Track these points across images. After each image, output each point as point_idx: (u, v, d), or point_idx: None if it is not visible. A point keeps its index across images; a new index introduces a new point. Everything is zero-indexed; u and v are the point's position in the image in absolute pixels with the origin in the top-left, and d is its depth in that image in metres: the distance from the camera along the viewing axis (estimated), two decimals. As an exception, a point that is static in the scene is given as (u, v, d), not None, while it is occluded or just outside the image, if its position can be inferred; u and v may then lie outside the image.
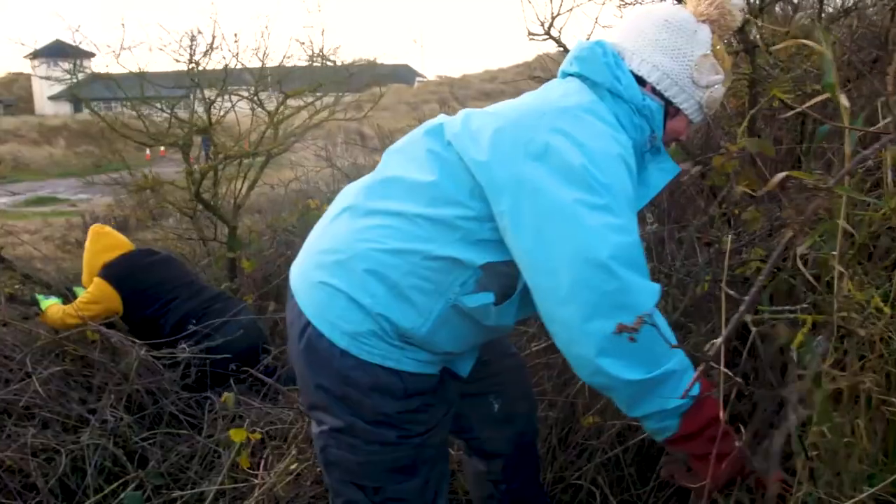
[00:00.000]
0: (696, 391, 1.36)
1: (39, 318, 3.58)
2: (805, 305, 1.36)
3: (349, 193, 1.61)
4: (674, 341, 1.39)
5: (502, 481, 1.94)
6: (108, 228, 3.87)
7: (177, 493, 2.44)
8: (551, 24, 2.42)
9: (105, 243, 3.69)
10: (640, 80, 1.54)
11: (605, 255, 1.31)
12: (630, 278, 1.33)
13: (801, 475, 1.30)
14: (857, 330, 1.26)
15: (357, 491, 1.58)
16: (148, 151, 8.23)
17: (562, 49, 2.50)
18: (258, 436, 2.13)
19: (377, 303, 1.44)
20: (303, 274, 1.58)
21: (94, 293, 3.54)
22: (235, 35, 5.85)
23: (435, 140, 1.52)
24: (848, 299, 1.31)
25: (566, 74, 1.60)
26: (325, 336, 1.49)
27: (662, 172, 1.60)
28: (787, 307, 1.39)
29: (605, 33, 1.70)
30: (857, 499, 1.25)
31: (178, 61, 5.43)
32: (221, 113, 5.50)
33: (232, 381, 2.89)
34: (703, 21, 1.55)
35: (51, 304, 3.61)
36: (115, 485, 2.53)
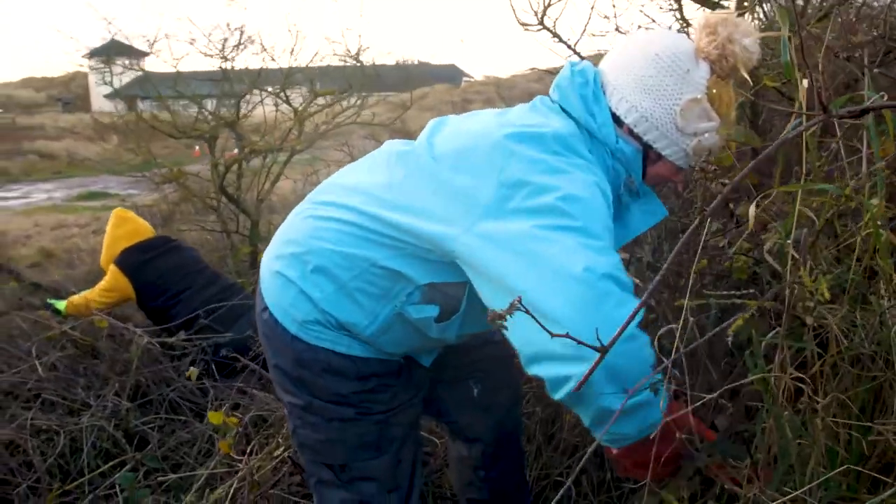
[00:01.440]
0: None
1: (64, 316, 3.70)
2: (747, 292, 1.31)
3: (321, 188, 1.63)
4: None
5: (481, 468, 1.94)
6: (130, 214, 3.94)
7: (169, 476, 2.47)
8: (544, 14, 2.37)
9: (126, 229, 3.77)
10: (619, 120, 1.42)
11: (583, 268, 1.20)
12: (611, 290, 1.21)
13: (746, 474, 1.25)
14: (804, 318, 1.21)
15: (326, 470, 1.62)
16: (197, 148, 8.43)
17: (557, 40, 2.45)
18: (234, 420, 2.16)
19: (325, 299, 1.47)
20: (267, 261, 1.61)
21: (110, 281, 3.65)
22: (262, 32, 5.94)
23: (405, 146, 1.51)
24: (801, 286, 1.26)
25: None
26: (279, 322, 1.53)
27: (647, 215, 1.51)
28: (733, 292, 1.34)
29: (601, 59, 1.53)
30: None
31: (208, 56, 5.56)
32: (249, 107, 5.61)
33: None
34: (704, 58, 1.39)
35: (69, 301, 3.73)
36: (110, 465, 2.58)
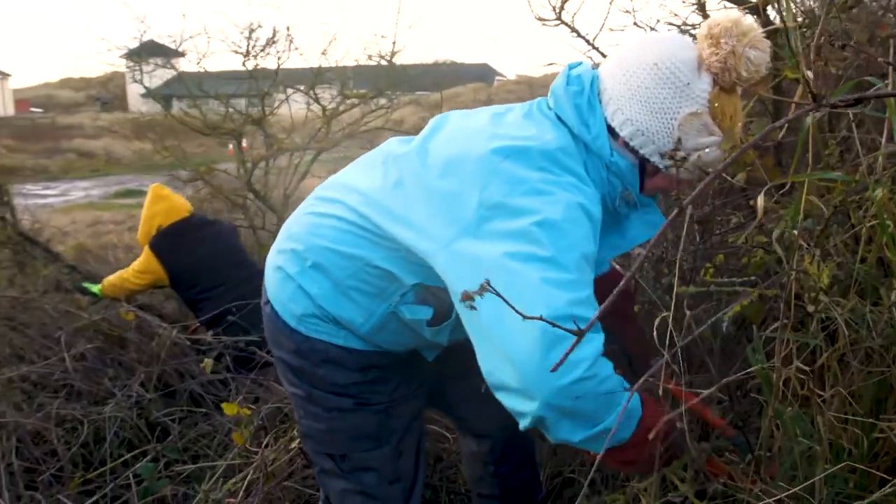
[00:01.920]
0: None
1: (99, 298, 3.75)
2: (747, 279, 1.29)
3: (325, 184, 1.64)
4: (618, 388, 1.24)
5: (491, 463, 1.94)
6: (167, 191, 3.93)
7: (188, 467, 2.51)
8: (562, 8, 2.36)
9: (163, 206, 3.75)
10: (614, 132, 1.35)
11: (537, 310, 1.15)
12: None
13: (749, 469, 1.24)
14: (806, 307, 1.19)
15: (328, 460, 1.64)
16: (230, 146, 8.58)
17: (575, 35, 2.44)
18: (247, 411, 2.19)
19: (322, 295, 1.50)
20: (271, 255, 1.65)
21: (143, 263, 3.66)
22: (288, 28, 5.99)
23: (402, 147, 1.50)
24: (805, 275, 1.23)
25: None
26: (279, 315, 1.56)
27: (646, 226, 1.45)
28: (733, 279, 1.32)
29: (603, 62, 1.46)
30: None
31: (236, 52, 5.63)
32: (277, 105, 5.67)
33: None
34: (706, 70, 1.30)
35: (104, 281, 3.77)
36: (131, 454, 2.63)
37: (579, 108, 1.35)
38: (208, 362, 2.61)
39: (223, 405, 2.21)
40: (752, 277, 1.33)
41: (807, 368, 1.20)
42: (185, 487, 2.46)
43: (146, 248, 3.70)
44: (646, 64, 1.31)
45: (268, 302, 1.59)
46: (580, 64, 1.44)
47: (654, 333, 1.24)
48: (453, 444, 2.37)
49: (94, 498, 2.43)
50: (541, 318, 0.90)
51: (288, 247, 1.56)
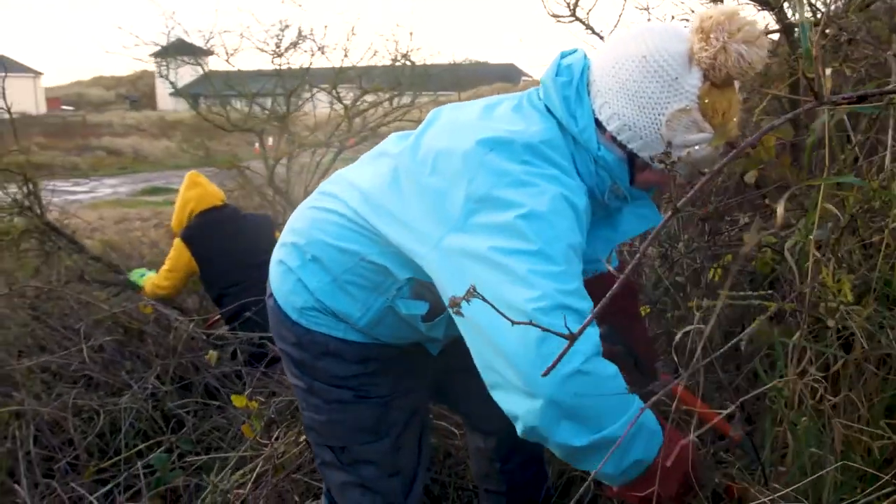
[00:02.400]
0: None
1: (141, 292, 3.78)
2: (766, 293, 1.26)
3: (330, 179, 1.65)
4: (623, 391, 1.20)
5: (497, 460, 1.94)
6: (202, 178, 3.91)
7: (201, 458, 2.53)
8: (576, 4, 2.35)
9: (197, 192, 3.74)
10: (601, 125, 1.32)
11: (530, 306, 1.16)
12: (555, 327, 1.14)
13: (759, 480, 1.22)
14: (826, 320, 1.16)
15: (328, 451, 1.65)
16: (256, 145, 8.68)
17: (591, 32, 2.42)
18: (255, 403, 2.21)
19: (320, 289, 1.51)
20: (276, 249, 1.66)
21: (173, 259, 3.65)
22: (313, 30, 6.04)
23: (399, 143, 1.50)
24: (823, 287, 1.21)
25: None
26: (281, 307, 1.58)
27: (639, 219, 1.43)
28: (749, 293, 1.30)
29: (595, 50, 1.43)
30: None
31: (262, 51, 5.69)
32: (300, 103, 5.72)
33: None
34: (697, 64, 1.24)
35: (145, 278, 3.79)
36: (145, 445, 2.65)
37: (567, 99, 1.33)
38: (213, 354, 2.64)
39: (233, 397, 2.22)
40: (769, 291, 1.30)
41: (820, 375, 1.18)
42: (197, 479, 2.48)
43: (176, 241, 3.70)
44: (635, 56, 1.27)
45: (271, 295, 1.61)
46: (574, 51, 1.40)
47: (659, 334, 1.22)
48: (461, 439, 2.37)
49: (108, 487, 2.46)
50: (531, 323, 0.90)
51: (290, 240, 1.58)
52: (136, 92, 40.30)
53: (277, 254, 1.62)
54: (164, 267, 3.68)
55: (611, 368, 1.22)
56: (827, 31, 1.74)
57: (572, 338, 0.78)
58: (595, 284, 1.79)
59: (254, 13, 6.02)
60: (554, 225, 1.22)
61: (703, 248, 1.83)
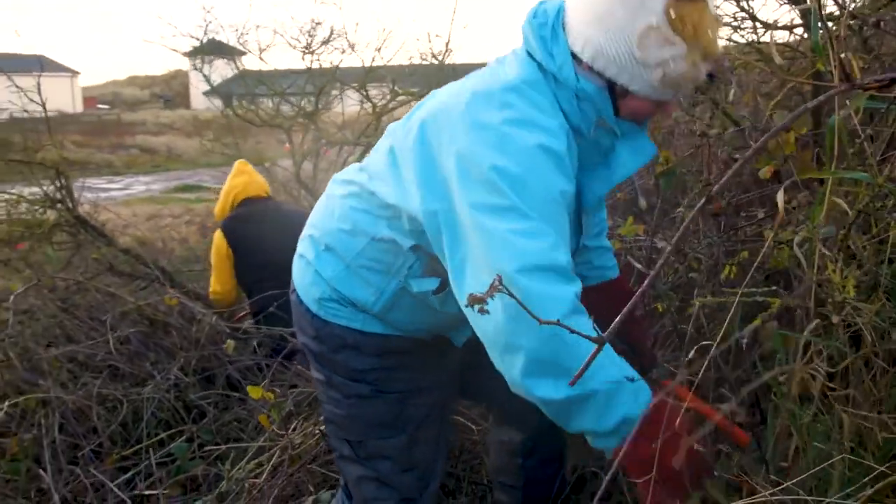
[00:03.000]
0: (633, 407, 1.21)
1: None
2: (770, 288, 1.25)
3: (345, 170, 1.68)
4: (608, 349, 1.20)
5: (519, 455, 1.93)
6: (249, 167, 3.95)
7: (220, 447, 2.57)
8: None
9: (241, 180, 3.78)
10: (578, 57, 1.32)
11: (511, 267, 1.18)
12: (533, 288, 1.19)
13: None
14: (831, 316, 1.15)
15: (346, 445, 1.65)
16: (287, 144, 8.77)
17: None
18: (271, 395, 2.23)
19: (335, 277, 1.53)
20: (298, 243, 1.69)
21: (214, 256, 3.65)
22: (345, 27, 6.08)
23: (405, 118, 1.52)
24: (829, 283, 1.19)
25: None
26: (302, 301, 1.61)
27: (635, 154, 1.41)
28: (753, 290, 1.29)
29: None
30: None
31: (294, 48, 5.75)
32: (329, 101, 5.76)
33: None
34: None
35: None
36: (167, 434, 2.70)
37: (544, 39, 1.34)
38: (230, 343, 2.67)
39: (249, 388, 2.25)
40: (774, 287, 1.29)
41: (827, 370, 1.16)
42: (216, 468, 2.51)
43: (217, 235, 3.68)
44: None
45: (294, 290, 1.64)
46: None
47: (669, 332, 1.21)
48: (478, 435, 2.37)
49: (129, 474, 2.50)
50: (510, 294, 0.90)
51: (308, 233, 1.62)
52: (170, 91, 40.90)
53: (299, 248, 1.65)
54: (212, 278, 3.69)
55: (589, 326, 1.20)
56: (850, 22, 1.72)
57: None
58: (603, 291, 1.80)
59: (288, 10, 6.11)
60: (531, 180, 1.23)
61: (718, 244, 1.81)
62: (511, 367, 1.22)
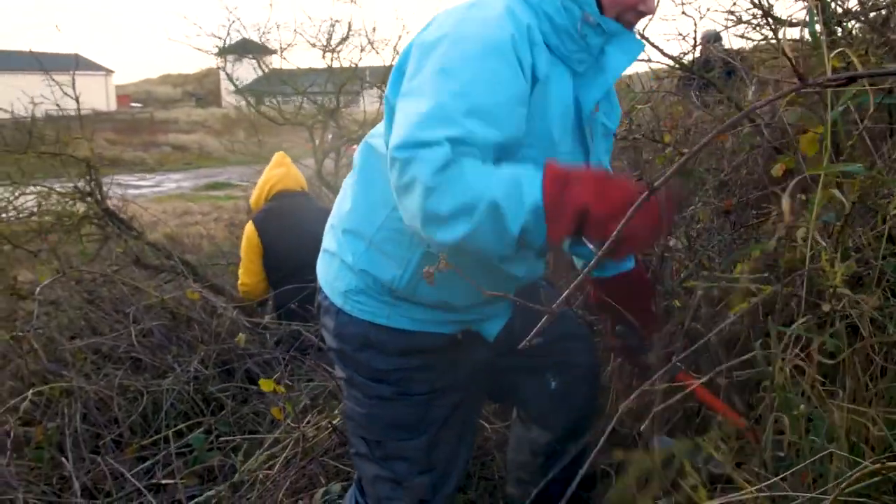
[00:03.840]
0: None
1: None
2: (762, 276, 1.25)
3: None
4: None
5: (542, 455, 1.90)
6: (287, 160, 3.97)
7: (236, 438, 2.62)
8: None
9: (278, 172, 3.80)
10: None
11: (395, 143, 1.17)
12: (400, 160, 1.16)
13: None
14: (823, 306, 1.14)
15: (363, 443, 1.64)
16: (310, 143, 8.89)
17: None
18: (281, 389, 2.26)
19: (358, 259, 1.50)
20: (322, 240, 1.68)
21: (243, 248, 3.68)
22: (374, 23, 6.14)
23: None
24: (824, 274, 1.19)
25: None
26: (328, 297, 1.59)
27: (623, 54, 1.39)
28: (745, 276, 1.28)
29: None
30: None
31: (314, 46, 5.81)
32: (350, 98, 5.82)
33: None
34: None
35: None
36: (185, 425, 2.76)
37: None
38: (241, 336, 2.71)
39: (261, 381, 2.28)
40: (766, 274, 1.29)
41: (806, 362, 1.16)
42: (231, 459, 2.56)
43: (247, 226, 3.72)
44: None
45: (320, 288, 1.62)
46: None
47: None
48: (490, 432, 2.38)
49: (147, 463, 2.55)
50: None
51: (328, 225, 1.60)
52: (202, 90, 41.39)
53: (323, 244, 1.63)
54: (240, 270, 3.72)
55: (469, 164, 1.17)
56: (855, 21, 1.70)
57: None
58: (618, 283, 1.79)
59: (307, 9, 6.20)
60: (475, 70, 1.21)
61: (729, 242, 1.81)
62: (428, 232, 1.19)
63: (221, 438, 2.67)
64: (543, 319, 0.98)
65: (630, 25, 1.39)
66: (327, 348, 1.65)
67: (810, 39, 1.65)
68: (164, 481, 2.41)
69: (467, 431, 1.69)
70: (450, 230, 1.16)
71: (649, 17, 2.39)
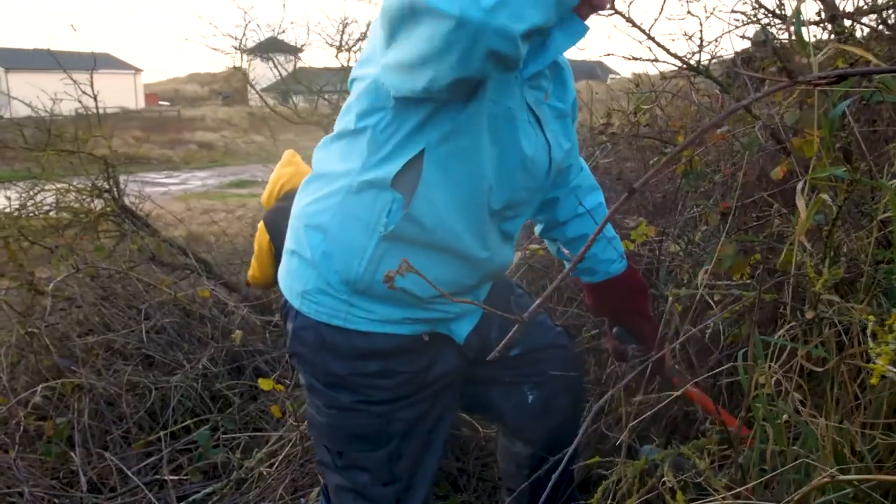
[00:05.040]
0: None
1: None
2: (745, 282, 1.23)
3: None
4: None
5: (526, 467, 1.87)
6: (297, 158, 3.96)
7: (240, 435, 2.64)
8: (617, -3, 2.30)
9: (288, 170, 3.79)
10: None
11: None
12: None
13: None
14: (807, 312, 1.12)
15: (325, 452, 1.60)
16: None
17: (631, 25, 2.38)
18: (280, 387, 2.26)
19: (316, 252, 1.45)
20: None
21: (256, 242, 3.65)
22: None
23: None
24: (809, 279, 1.17)
25: None
26: (286, 299, 1.55)
27: (568, 36, 1.35)
28: (727, 282, 1.27)
29: None
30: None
31: (330, 45, 5.83)
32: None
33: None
34: None
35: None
36: (192, 421, 2.79)
37: None
38: (238, 333, 2.73)
39: (260, 381, 2.29)
40: (749, 280, 1.27)
41: (787, 371, 1.14)
42: (232, 457, 2.58)
43: (260, 225, 3.76)
44: None
45: (280, 292, 1.58)
46: None
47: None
48: (490, 430, 2.37)
49: (151, 459, 2.59)
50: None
51: (289, 226, 1.57)
52: (229, 88, 41.77)
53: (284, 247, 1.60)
54: (252, 261, 3.77)
55: None
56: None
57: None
58: (611, 287, 1.77)
59: (321, 8, 6.24)
60: None
61: (726, 245, 1.78)
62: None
63: (227, 436, 2.69)
64: (514, 329, 0.97)
65: (584, 18, 1.36)
66: (288, 353, 1.60)
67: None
68: (167, 477, 2.44)
69: (435, 443, 1.61)
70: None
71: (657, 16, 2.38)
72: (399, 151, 1.35)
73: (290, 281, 1.53)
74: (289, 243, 1.55)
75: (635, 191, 0.94)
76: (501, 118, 1.36)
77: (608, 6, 2.15)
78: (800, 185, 1.02)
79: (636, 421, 1.18)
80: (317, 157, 1.54)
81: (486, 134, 1.35)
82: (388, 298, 1.44)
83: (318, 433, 1.60)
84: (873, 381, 0.88)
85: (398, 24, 1.17)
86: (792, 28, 1.98)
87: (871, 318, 0.96)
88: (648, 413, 1.43)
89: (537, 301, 1.01)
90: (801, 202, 1.34)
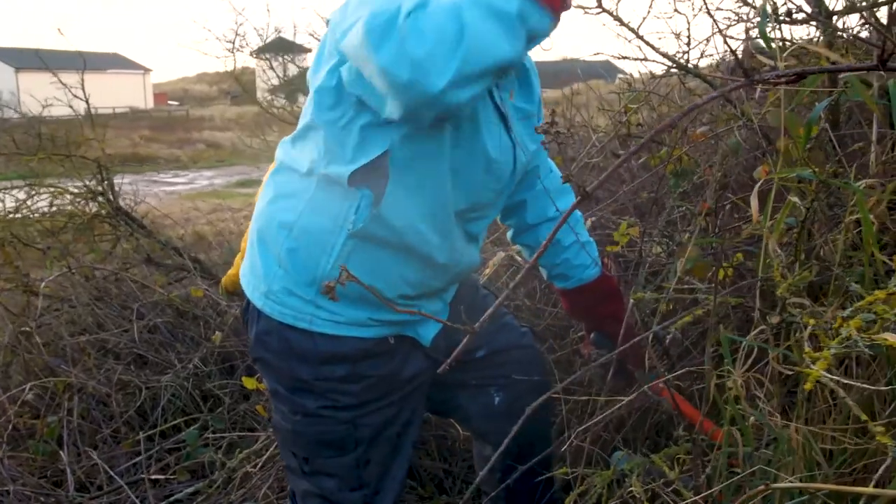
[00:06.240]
0: None
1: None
2: (708, 286, 1.22)
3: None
4: None
5: (498, 470, 1.82)
6: None
7: (227, 435, 2.64)
8: (604, -5, 2.28)
9: None
10: None
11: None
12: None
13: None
14: (771, 317, 1.11)
15: (291, 457, 1.58)
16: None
17: (619, 24, 2.36)
18: (263, 386, 2.25)
19: (282, 250, 1.43)
20: None
21: (243, 241, 3.75)
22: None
23: None
24: (781, 283, 1.15)
25: None
26: (249, 300, 1.52)
27: None
28: (690, 286, 1.25)
29: None
30: None
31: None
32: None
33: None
34: None
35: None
36: (181, 420, 2.78)
37: None
38: (217, 335, 2.73)
39: (243, 379, 2.28)
40: (713, 285, 1.26)
41: (752, 375, 1.13)
42: (215, 457, 2.57)
43: (248, 225, 3.79)
44: None
45: (243, 294, 1.55)
46: None
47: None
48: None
49: (140, 458, 2.58)
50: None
51: (251, 228, 1.55)
52: (238, 87, 41.86)
53: (247, 248, 1.57)
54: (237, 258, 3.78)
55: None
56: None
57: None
58: (590, 291, 1.76)
59: (316, 10, 6.24)
60: None
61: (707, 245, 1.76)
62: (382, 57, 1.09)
63: (216, 435, 2.69)
64: (465, 339, 0.96)
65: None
66: (252, 359, 1.58)
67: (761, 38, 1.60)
68: (153, 476, 2.44)
69: (404, 447, 1.61)
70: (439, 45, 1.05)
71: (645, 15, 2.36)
72: (362, 148, 1.33)
73: (254, 279, 1.50)
74: (252, 240, 1.52)
75: (589, 195, 0.93)
76: (465, 119, 1.35)
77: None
78: (756, 186, 1.00)
79: (601, 425, 1.16)
80: (281, 150, 1.52)
81: (449, 135, 1.34)
82: (354, 300, 1.41)
83: (283, 439, 1.58)
84: (807, 386, 0.86)
85: (355, 67, 1.19)
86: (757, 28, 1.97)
87: (812, 321, 0.95)
88: (604, 415, 1.42)
89: (492, 308, 1.00)
90: (754, 202, 1.32)
